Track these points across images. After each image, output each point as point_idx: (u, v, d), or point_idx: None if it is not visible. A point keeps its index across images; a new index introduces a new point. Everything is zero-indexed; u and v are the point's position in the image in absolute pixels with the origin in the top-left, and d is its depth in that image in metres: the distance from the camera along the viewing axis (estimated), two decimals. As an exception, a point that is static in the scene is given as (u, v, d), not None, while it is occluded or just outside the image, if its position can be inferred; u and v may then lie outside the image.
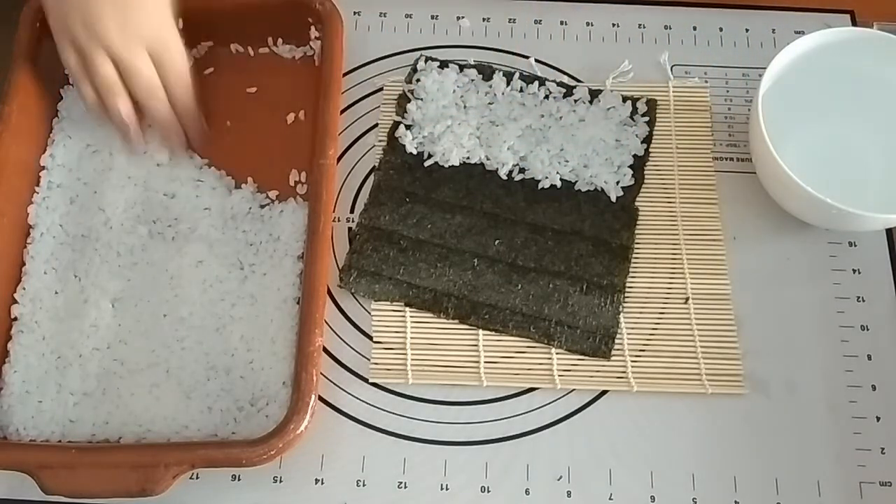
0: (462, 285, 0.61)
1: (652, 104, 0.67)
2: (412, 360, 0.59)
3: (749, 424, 0.58)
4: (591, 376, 0.59)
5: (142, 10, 0.58)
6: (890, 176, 0.65)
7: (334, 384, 0.59)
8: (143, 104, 0.60)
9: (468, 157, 0.65)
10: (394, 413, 0.58)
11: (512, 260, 0.62)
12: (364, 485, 0.56)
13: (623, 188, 0.64)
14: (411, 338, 0.60)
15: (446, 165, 0.65)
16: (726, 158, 0.67)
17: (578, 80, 0.69)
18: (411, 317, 0.61)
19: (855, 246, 0.64)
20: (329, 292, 0.61)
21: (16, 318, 0.59)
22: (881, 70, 0.64)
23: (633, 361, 0.59)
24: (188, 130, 0.63)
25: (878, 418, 0.58)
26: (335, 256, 0.62)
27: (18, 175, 0.62)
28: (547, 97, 0.67)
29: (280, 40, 0.68)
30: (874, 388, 0.59)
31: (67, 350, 0.58)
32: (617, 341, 0.60)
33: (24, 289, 0.60)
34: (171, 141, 0.63)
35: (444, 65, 0.68)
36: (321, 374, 0.57)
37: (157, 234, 0.62)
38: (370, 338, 0.60)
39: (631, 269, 0.62)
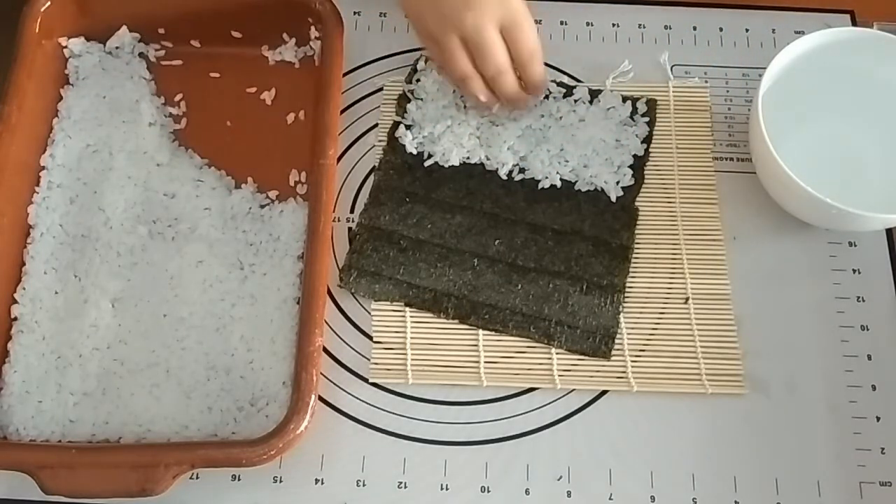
0: (462, 285, 0.61)
1: (652, 104, 0.67)
2: (412, 360, 0.59)
3: (749, 424, 0.58)
4: (591, 376, 0.59)
5: None
6: (890, 176, 0.65)
7: (334, 384, 0.59)
8: (493, 81, 0.62)
9: (468, 157, 0.65)
10: (394, 413, 0.58)
11: (512, 260, 0.62)
12: (364, 485, 0.56)
13: (623, 188, 0.64)
14: (411, 338, 0.60)
15: (446, 165, 0.65)
16: (726, 158, 0.67)
17: (578, 80, 0.69)
18: (411, 317, 0.61)
19: (855, 246, 0.64)
20: (329, 292, 0.61)
21: (16, 318, 0.59)
22: (881, 70, 0.64)
23: (633, 361, 0.59)
24: (533, 98, 0.65)
25: (878, 418, 0.58)
26: (335, 256, 0.62)
27: (18, 175, 0.62)
28: (547, 97, 0.67)
29: (280, 40, 0.68)
30: (874, 388, 0.59)
31: (67, 350, 0.58)
32: (617, 341, 0.60)
33: (24, 289, 0.60)
34: (516, 107, 0.65)
35: (444, 65, 0.68)
36: (321, 374, 0.57)
37: (157, 234, 0.62)
38: (370, 338, 0.60)
39: (631, 269, 0.62)
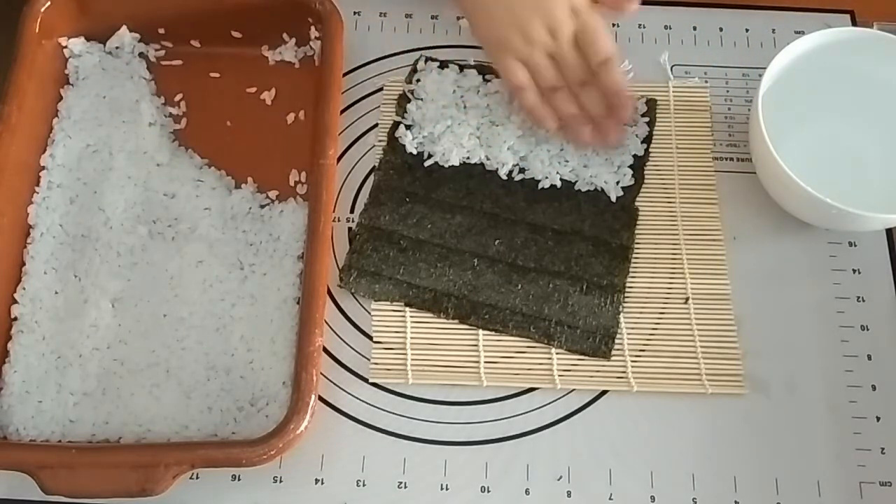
0: (462, 285, 0.61)
1: (652, 104, 0.67)
2: (412, 360, 0.59)
3: (749, 424, 0.58)
4: (591, 376, 0.59)
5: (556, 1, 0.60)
6: (890, 176, 0.65)
7: (334, 384, 0.59)
8: (578, 95, 0.62)
9: (468, 157, 0.65)
10: (394, 413, 0.58)
11: (512, 260, 0.62)
12: (364, 485, 0.56)
13: (623, 188, 0.64)
14: (411, 338, 0.60)
15: (446, 165, 0.65)
16: (726, 158, 0.67)
17: (579, 80, 0.69)
18: (411, 317, 0.61)
19: (855, 246, 0.64)
20: (329, 292, 0.61)
21: (16, 318, 0.59)
22: (881, 70, 0.64)
23: (633, 361, 0.59)
24: (619, 116, 0.63)
25: (878, 418, 0.58)
26: (335, 256, 0.62)
27: (18, 175, 0.62)
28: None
29: (280, 40, 0.68)
30: (874, 388, 0.59)
31: (67, 350, 0.58)
32: (617, 341, 0.60)
33: (24, 289, 0.60)
34: (605, 134, 0.63)
35: (444, 65, 0.68)
36: (321, 374, 0.57)
37: (157, 234, 0.62)
38: (370, 338, 0.60)
39: (631, 269, 0.62)
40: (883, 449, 0.57)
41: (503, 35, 0.61)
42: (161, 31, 0.68)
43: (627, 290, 0.61)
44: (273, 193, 0.63)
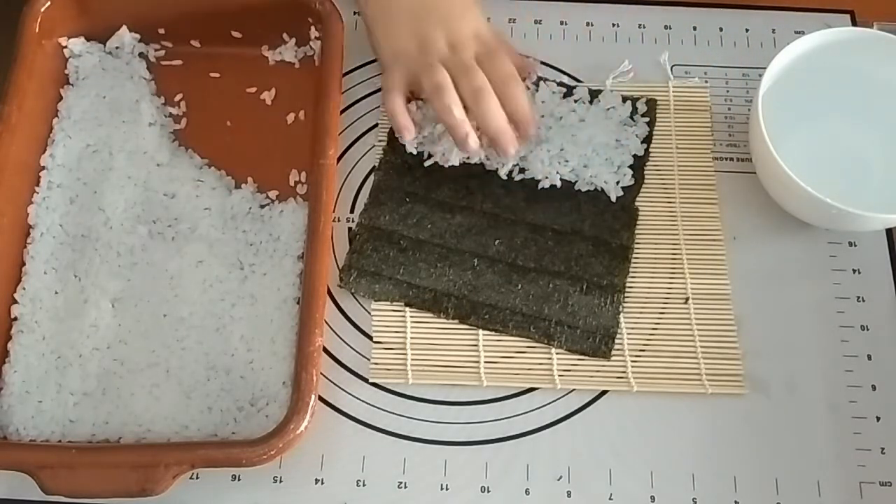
0: (462, 285, 0.61)
1: (652, 104, 0.67)
2: (412, 360, 0.59)
3: (749, 424, 0.58)
4: (591, 376, 0.59)
5: (463, 17, 0.62)
6: (890, 176, 0.65)
7: (334, 384, 0.59)
8: (474, 101, 0.60)
9: (468, 157, 0.65)
10: (394, 413, 0.58)
11: (512, 260, 0.62)
12: (364, 485, 0.56)
13: (623, 188, 0.64)
14: (411, 338, 0.60)
15: (446, 165, 0.65)
16: (726, 158, 0.67)
17: (578, 80, 0.69)
18: (411, 317, 0.61)
19: (855, 246, 0.64)
20: (329, 292, 0.61)
21: (16, 318, 0.59)
22: (881, 70, 0.64)
23: (633, 361, 0.59)
24: (519, 133, 0.61)
25: (878, 418, 0.58)
26: (335, 256, 0.63)
27: (18, 175, 0.62)
28: (536, 90, 0.67)
29: (280, 40, 0.68)
30: (874, 388, 0.59)
31: (67, 350, 0.58)
32: (617, 341, 0.60)
33: (24, 289, 0.60)
34: (502, 145, 0.61)
35: (444, 65, 0.68)
36: (321, 374, 0.57)
37: (157, 234, 0.62)
38: (370, 338, 0.60)
39: (631, 269, 0.62)
40: (883, 449, 0.57)
41: (403, 46, 0.62)
42: (161, 31, 0.68)
43: (627, 290, 0.61)
44: (273, 193, 0.63)
